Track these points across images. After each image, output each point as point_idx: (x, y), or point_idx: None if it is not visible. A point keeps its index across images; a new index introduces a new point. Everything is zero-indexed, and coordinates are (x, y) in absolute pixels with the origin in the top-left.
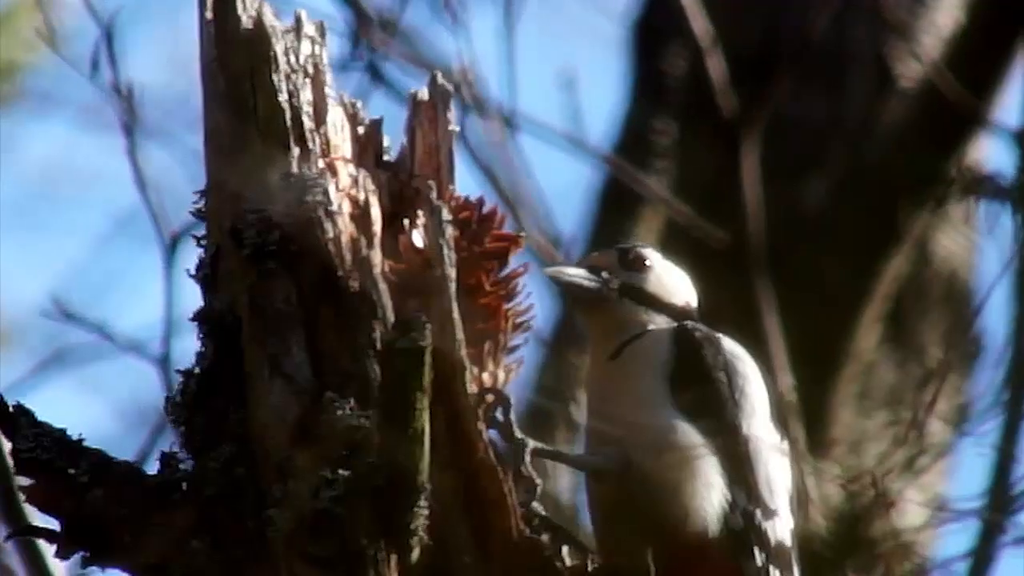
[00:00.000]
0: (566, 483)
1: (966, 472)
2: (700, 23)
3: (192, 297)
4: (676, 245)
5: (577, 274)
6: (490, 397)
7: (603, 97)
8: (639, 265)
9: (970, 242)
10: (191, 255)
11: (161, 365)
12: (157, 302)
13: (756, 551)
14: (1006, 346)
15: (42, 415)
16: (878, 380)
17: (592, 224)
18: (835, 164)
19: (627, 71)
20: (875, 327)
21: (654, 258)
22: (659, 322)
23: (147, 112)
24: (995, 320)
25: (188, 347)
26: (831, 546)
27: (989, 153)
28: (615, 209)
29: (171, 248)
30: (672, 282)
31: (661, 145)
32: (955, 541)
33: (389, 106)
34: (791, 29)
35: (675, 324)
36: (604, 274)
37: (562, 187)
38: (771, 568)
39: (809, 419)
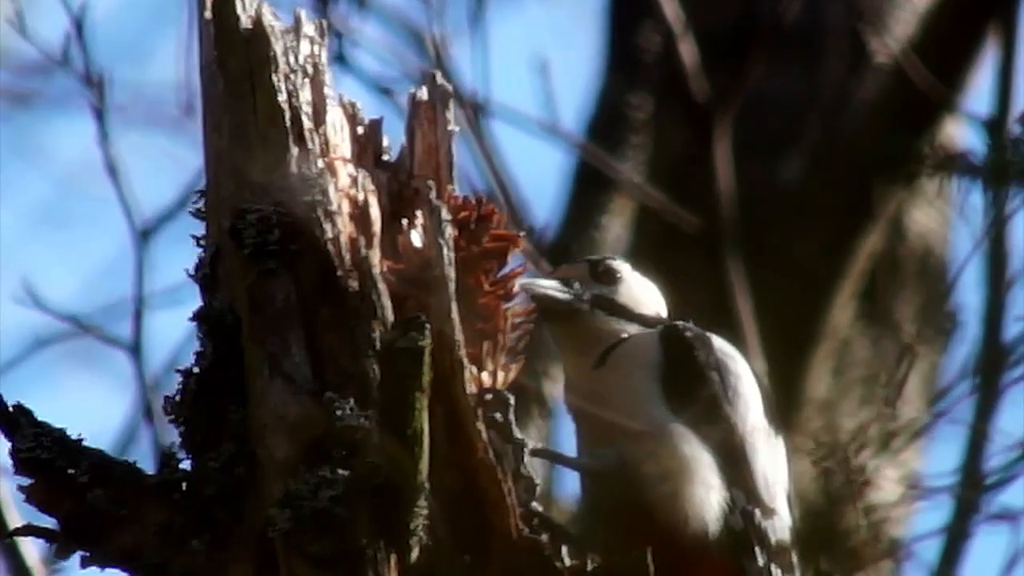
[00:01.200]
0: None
1: (941, 449)
2: (672, 8)
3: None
4: (648, 229)
5: (550, 286)
6: (489, 397)
7: (576, 81)
8: (610, 278)
9: (944, 218)
10: (164, 245)
11: (133, 353)
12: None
13: (758, 551)
14: (979, 325)
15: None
16: (853, 357)
17: (565, 208)
18: (809, 141)
19: (602, 46)
20: (850, 304)
21: (624, 270)
22: (632, 331)
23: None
24: (969, 297)
25: (161, 335)
26: (805, 534)
27: (963, 130)
28: (588, 193)
29: (143, 237)
30: (642, 293)
31: (636, 120)
32: (929, 519)
33: (358, 92)
34: (766, 8)
35: (661, 326)
36: (576, 285)
37: (534, 171)
38: (772, 567)
39: (784, 398)
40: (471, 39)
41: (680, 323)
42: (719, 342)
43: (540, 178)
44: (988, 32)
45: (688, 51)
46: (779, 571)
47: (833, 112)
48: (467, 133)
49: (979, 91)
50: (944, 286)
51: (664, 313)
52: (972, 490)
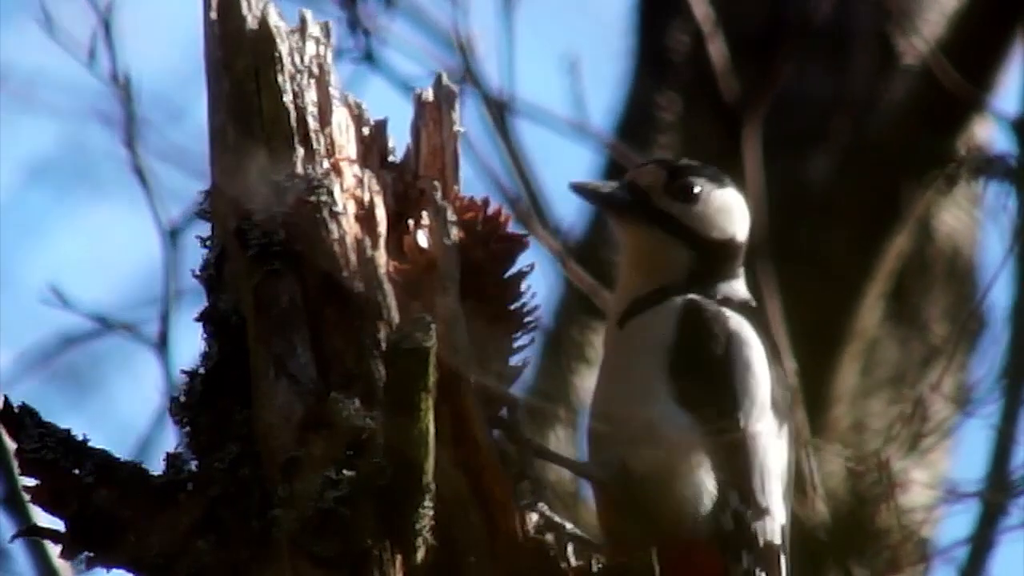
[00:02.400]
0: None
1: (969, 451)
2: (702, 7)
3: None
4: None
5: (602, 185)
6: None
7: (605, 79)
8: (685, 194)
9: (972, 219)
10: (190, 246)
11: (160, 353)
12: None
13: (744, 554)
14: (1007, 328)
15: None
16: (881, 358)
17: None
18: (838, 141)
19: (631, 47)
20: (878, 305)
21: (705, 189)
22: (684, 261)
23: (144, 100)
24: (998, 299)
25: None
26: (835, 535)
27: (991, 131)
28: None
29: (171, 238)
30: (717, 216)
31: (665, 120)
32: (957, 524)
33: (386, 91)
34: (795, 8)
35: (684, 299)
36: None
37: (562, 170)
38: (757, 571)
39: (812, 398)
40: (499, 38)
41: (700, 300)
42: (735, 323)
43: (568, 177)
44: (1017, 32)
45: (717, 50)
46: (763, 574)
47: (862, 112)
48: (494, 132)
49: (1008, 92)
50: (972, 287)
51: (741, 236)
52: (1001, 493)
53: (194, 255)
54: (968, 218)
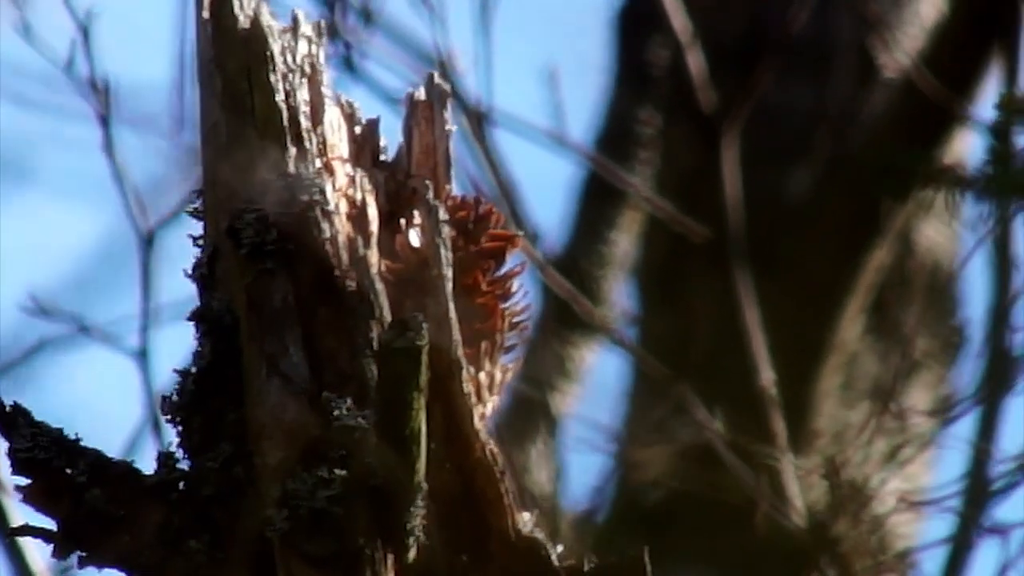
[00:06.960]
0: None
1: (949, 461)
2: (680, 18)
3: (170, 291)
4: (656, 241)
5: None
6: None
7: (585, 91)
8: None
9: (953, 232)
10: (169, 250)
11: (139, 360)
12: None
13: None
14: (985, 338)
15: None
16: (861, 371)
17: (573, 218)
18: (818, 154)
19: (611, 60)
20: (858, 318)
21: None
22: None
23: (125, 104)
24: (976, 311)
25: (166, 342)
26: (810, 542)
27: (973, 144)
28: (596, 203)
29: (148, 243)
30: None
31: (645, 135)
32: (932, 531)
33: (367, 101)
34: (775, 20)
35: None
36: None
37: (542, 182)
38: None
39: (792, 411)
40: (478, 50)
41: None
42: None
43: (548, 191)
44: (994, 47)
45: (695, 62)
46: None
47: (842, 125)
48: (473, 145)
49: (988, 106)
50: (952, 300)
51: None
52: (973, 503)
53: (172, 260)
54: (948, 231)
